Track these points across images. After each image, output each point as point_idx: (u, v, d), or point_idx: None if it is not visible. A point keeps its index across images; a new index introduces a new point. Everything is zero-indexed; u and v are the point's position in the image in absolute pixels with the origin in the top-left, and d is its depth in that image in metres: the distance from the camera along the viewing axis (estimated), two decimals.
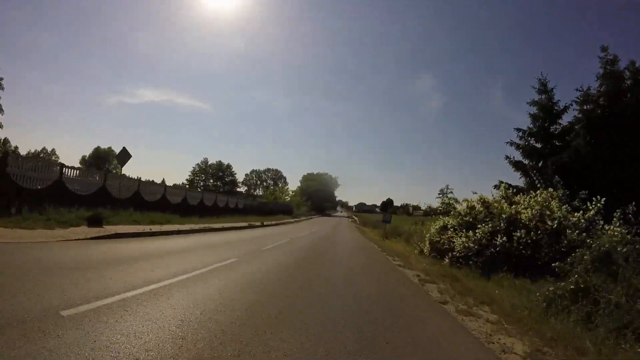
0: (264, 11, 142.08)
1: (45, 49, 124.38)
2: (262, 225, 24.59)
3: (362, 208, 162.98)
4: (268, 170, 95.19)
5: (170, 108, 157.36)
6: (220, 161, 67.98)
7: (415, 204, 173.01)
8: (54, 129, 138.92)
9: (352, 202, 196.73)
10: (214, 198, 30.85)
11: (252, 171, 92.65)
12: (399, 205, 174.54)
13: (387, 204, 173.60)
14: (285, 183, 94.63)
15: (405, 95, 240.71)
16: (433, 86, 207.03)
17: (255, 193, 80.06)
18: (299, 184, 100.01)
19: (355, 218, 63.79)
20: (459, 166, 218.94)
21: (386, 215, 24.87)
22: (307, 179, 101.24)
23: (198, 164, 65.99)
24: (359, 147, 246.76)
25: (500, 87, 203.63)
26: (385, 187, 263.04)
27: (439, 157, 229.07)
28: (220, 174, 65.50)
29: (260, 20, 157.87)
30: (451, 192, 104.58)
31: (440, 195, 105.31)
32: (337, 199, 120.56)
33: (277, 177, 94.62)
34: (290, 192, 72.90)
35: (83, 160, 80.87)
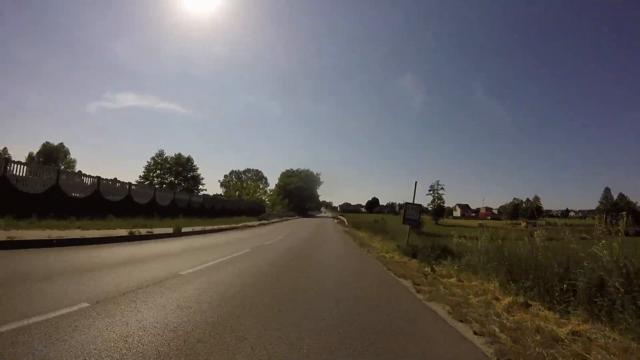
0: (246, 15, 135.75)
1: (23, 58, 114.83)
2: (187, 234, 14.39)
3: (347, 208, 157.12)
4: (248, 170, 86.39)
5: (151, 113, 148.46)
6: (179, 154, 56.71)
7: (400, 202, 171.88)
8: (34, 138, 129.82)
9: (336, 203, 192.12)
10: (171, 196, 25.94)
11: (232, 172, 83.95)
12: (385, 204, 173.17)
13: (373, 203, 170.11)
14: (267, 184, 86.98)
15: (388, 95, 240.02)
16: (415, 84, 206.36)
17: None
18: (278, 182, 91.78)
19: (343, 218, 53.01)
20: (443, 163, 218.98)
21: (411, 212, 13.81)
22: (286, 175, 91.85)
23: (153, 158, 53.45)
24: (342, 148, 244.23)
25: (481, 82, 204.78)
26: (368, 188, 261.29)
27: (422, 155, 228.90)
28: (180, 169, 56.83)
29: (243, 24, 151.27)
30: (442, 188, 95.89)
31: (431, 192, 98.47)
32: (319, 198, 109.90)
33: (258, 177, 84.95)
34: (269, 191, 66.02)
35: (30, 158, 70.67)
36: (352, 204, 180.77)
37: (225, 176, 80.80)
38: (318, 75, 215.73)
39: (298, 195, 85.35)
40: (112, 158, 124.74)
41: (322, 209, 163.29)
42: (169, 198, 24.80)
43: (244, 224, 26.34)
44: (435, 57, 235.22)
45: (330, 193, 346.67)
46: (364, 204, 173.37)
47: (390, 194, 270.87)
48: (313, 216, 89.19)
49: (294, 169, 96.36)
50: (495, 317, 4.26)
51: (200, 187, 54.09)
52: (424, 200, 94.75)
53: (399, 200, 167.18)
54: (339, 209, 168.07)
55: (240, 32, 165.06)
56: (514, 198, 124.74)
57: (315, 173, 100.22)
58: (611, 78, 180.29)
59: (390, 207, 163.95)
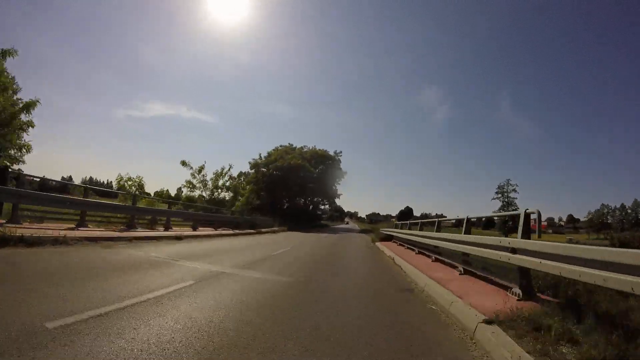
0: (271, 24, 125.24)
1: (55, 63, 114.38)
2: None
3: (375, 219, 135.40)
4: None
5: (177, 121, 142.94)
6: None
7: (433, 213, 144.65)
8: (63, 144, 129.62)
9: (361, 213, 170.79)
10: None
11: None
12: (419, 214, 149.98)
13: (407, 214, 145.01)
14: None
15: (411, 106, 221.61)
16: (439, 97, 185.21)
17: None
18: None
19: (403, 234, 15.48)
20: (468, 175, 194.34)
21: None
22: (276, 154, 48.12)
23: None
24: (364, 158, 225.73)
25: (506, 96, 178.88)
26: (396, 198, 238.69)
27: (447, 168, 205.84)
28: None
29: (267, 33, 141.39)
30: (514, 190, 58.87)
31: (499, 195, 66.62)
32: (338, 195, 56.97)
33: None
34: (242, 181, 37.79)
35: None
36: (381, 213, 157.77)
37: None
38: (341, 84, 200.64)
39: (297, 183, 45.65)
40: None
41: (346, 219, 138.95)
42: None
43: None
44: (459, 69, 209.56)
45: (353, 202, 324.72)
46: (394, 214, 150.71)
47: (421, 204, 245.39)
48: (326, 230, 41.83)
49: (290, 144, 52.67)
50: None
51: None
52: (490, 206, 66.53)
53: (433, 210, 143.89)
54: (366, 219, 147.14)
55: (266, 42, 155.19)
56: (602, 204, 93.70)
57: (332, 153, 53.57)
58: None
59: (426, 218, 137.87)
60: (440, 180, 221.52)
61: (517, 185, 66.22)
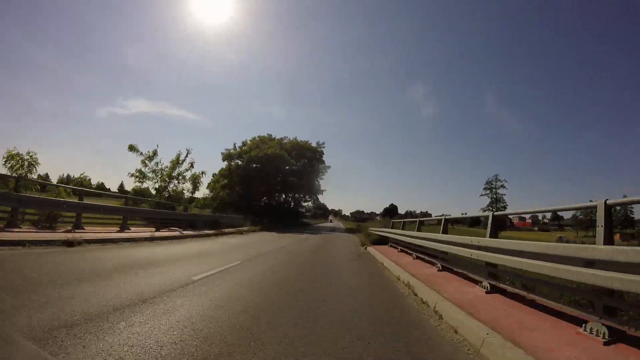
0: (258, 23, 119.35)
1: (37, 63, 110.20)
2: None
3: (360, 216, 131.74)
4: None
5: (161, 119, 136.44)
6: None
7: (418, 210, 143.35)
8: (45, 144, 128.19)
9: (345, 211, 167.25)
10: None
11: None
12: (404, 212, 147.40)
13: (391, 211, 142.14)
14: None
15: (399, 103, 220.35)
16: (426, 93, 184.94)
17: None
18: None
19: (397, 234, 12.37)
20: (455, 172, 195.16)
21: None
22: (252, 144, 40.85)
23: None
24: (353, 156, 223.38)
25: (493, 92, 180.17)
26: (380, 195, 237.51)
27: (432, 165, 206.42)
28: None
29: (254, 32, 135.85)
30: (503, 185, 55.29)
31: (488, 192, 63.77)
32: (322, 191, 51.49)
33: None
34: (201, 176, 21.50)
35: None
36: (365, 211, 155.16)
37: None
38: (328, 83, 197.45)
39: (276, 177, 40.41)
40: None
41: (330, 217, 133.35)
42: None
43: None
44: (446, 65, 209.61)
45: (338, 201, 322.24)
46: (378, 211, 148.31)
47: (405, 202, 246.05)
48: (307, 229, 35.92)
49: (267, 134, 45.01)
50: None
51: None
52: (478, 203, 66.91)
53: (418, 208, 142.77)
54: (350, 217, 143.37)
55: (251, 41, 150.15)
56: (590, 201, 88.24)
57: (315, 145, 47.36)
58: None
59: (411, 216, 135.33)
60: (425, 177, 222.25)
61: (505, 181, 64.25)
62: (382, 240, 15.48)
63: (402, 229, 12.92)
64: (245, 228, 22.61)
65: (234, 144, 41.94)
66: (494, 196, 62.63)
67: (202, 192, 28.73)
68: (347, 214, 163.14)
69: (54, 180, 60.01)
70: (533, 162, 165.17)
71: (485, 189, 64.62)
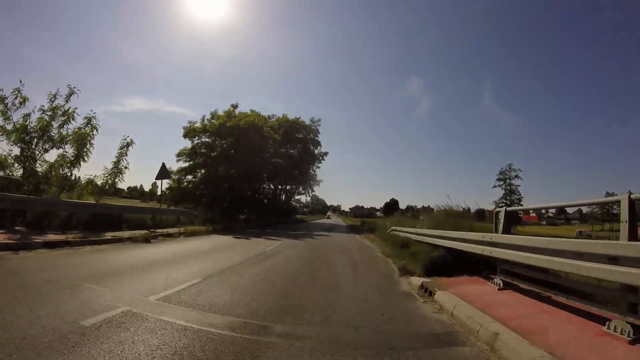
0: (253, 19, 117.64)
1: (31, 60, 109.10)
2: None
3: (360, 212, 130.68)
4: None
5: (158, 116, 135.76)
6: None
7: (419, 205, 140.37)
8: None
9: (344, 207, 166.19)
10: None
11: None
12: (404, 207, 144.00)
13: (392, 206, 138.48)
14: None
15: (394, 98, 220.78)
16: (421, 88, 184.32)
17: None
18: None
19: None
20: (457, 165, 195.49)
21: None
22: (226, 115, 27.88)
23: None
24: (346, 153, 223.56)
25: (488, 88, 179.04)
26: (380, 190, 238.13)
27: (432, 159, 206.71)
28: None
29: (250, 28, 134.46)
30: (517, 176, 49.73)
31: (501, 183, 53.04)
32: (318, 181, 43.37)
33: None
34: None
35: None
36: (365, 207, 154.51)
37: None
38: (324, 77, 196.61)
39: (252, 156, 27.59)
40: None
41: (329, 213, 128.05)
42: None
43: None
44: (441, 60, 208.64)
45: (337, 195, 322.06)
46: (378, 207, 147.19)
47: (405, 197, 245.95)
48: (299, 228, 26.36)
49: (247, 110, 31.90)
50: None
51: None
52: (491, 195, 59.22)
53: (419, 202, 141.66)
54: (350, 212, 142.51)
55: (247, 37, 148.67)
56: (607, 193, 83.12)
57: (309, 122, 39.38)
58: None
59: (415, 211, 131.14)
60: (425, 171, 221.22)
61: (520, 171, 57.20)
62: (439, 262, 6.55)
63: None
64: (182, 230, 13.49)
65: (203, 116, 28.97)
66: (508, 187, 57.32)
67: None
68: (347, 209, 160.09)
69: None
70: (540, 155, 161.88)
71: (498, 179, 58.54)
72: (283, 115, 37.93)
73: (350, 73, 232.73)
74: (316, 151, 40.80)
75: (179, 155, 27.21)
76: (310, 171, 41.36)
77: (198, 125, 27.95)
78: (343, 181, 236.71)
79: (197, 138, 27.74)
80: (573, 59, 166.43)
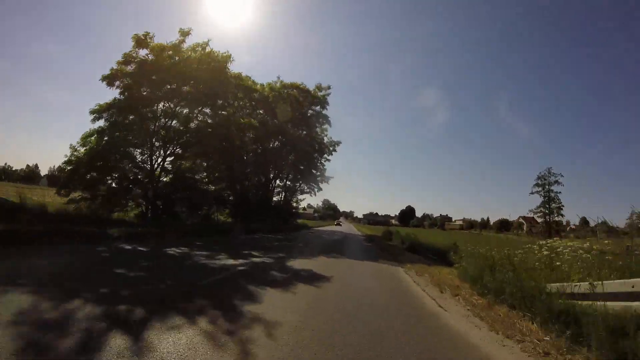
0: (269, 27, 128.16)
1: (42, 56, 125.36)
2: None
3: (373, 219, 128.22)
4: None
5: None
6: None
7: (436, 214, 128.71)
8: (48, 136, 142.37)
9: (348, 212, 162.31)
10: None
11: None
12: (421, 215, 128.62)
13: (408, 214, 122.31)
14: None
15: (409, 108, 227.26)
16: (438, 100, 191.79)
17: None
18: None
19: None
20: (481, 172, 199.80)
21: None
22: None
23: None
24: (360, 159, 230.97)
25: (505, 100, 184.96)
26: (394, 198, 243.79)
27: (450, 167, 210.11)
28: None
29: (265, 35, 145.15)
30: (557, 181, 48.71)
31: (540, 189, 50.59)
32: (325, 175, 32.70)
33: None
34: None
35: None
36: (379, 213, 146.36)
37: None
38: (342, 85, 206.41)
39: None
40: None
41: (341, 218, 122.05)
42: None
43: None
44: (458, 72, 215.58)
45: (350, 201, 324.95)
46: (392, 214, 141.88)
47: (421, 204, 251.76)
48: (271, 250, 12.34)
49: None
50: None
51: None
52: (527, 203, 56.80)
53: (435, 211, 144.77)
54: (363, 219, 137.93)
55: (263, 44, 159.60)
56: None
57: (313, 88, 28.46)
58: None
59: (433, 220, 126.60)
60: (442, 179, 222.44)
61: (561, 176, 49.83)
62: None
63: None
64: None
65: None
66: (547, 194, 50.14)
67: None
68: (360, 216, 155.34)
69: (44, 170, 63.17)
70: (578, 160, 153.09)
71: (536, 184, 51.25)
72: (280, 80, 27.15)
73: (367, 78, 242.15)
74: (325, 138, 29.60)
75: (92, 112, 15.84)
76: (318, 163, 30.46)
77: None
78: (357, 186, 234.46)
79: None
80: (585, 72, 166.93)
